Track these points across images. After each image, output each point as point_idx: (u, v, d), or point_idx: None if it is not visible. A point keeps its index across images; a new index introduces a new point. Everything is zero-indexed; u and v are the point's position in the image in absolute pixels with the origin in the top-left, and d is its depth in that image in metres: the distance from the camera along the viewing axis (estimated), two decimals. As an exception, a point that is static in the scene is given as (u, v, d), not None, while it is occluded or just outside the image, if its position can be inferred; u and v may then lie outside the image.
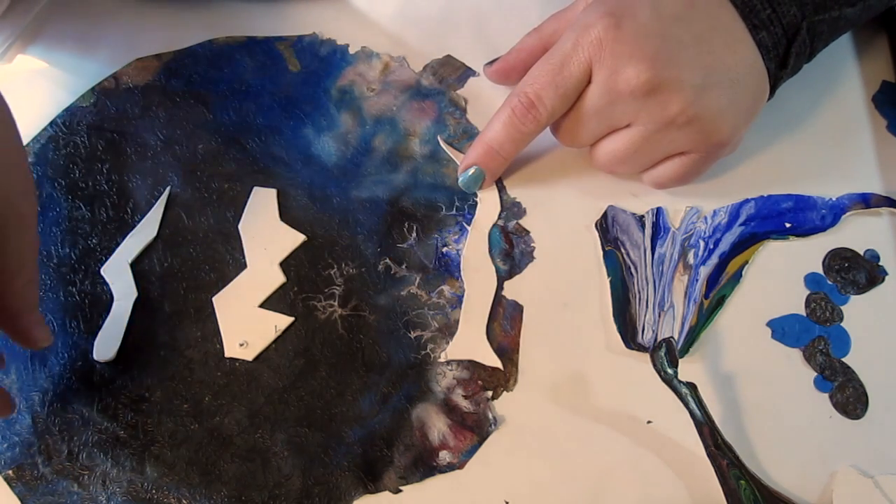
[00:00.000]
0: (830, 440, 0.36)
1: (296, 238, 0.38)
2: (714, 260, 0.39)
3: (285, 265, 0.38)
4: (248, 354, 0.36)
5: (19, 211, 0.30)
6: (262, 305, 0.37)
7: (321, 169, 0.40)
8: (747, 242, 0.39)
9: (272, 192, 0.39)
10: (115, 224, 0.39)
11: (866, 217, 0.40)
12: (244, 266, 0.38)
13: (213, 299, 0.37)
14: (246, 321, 0.37)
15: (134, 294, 0.37)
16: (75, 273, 0.38)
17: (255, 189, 0.39)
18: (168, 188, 0.40)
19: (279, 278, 0.38)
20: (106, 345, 0.36)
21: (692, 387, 0.34)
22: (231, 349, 0.36)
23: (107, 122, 0.41)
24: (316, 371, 0.36)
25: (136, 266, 0.38)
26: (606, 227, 0.39)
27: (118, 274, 0.38)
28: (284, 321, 0.37)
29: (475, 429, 0.35)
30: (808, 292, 0.38)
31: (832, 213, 0.40)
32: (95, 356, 0.36)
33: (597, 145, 0.38)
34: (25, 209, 0.30)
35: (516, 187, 0.40)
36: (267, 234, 0.39)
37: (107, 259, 0.38)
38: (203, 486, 0.34)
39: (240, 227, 0.39)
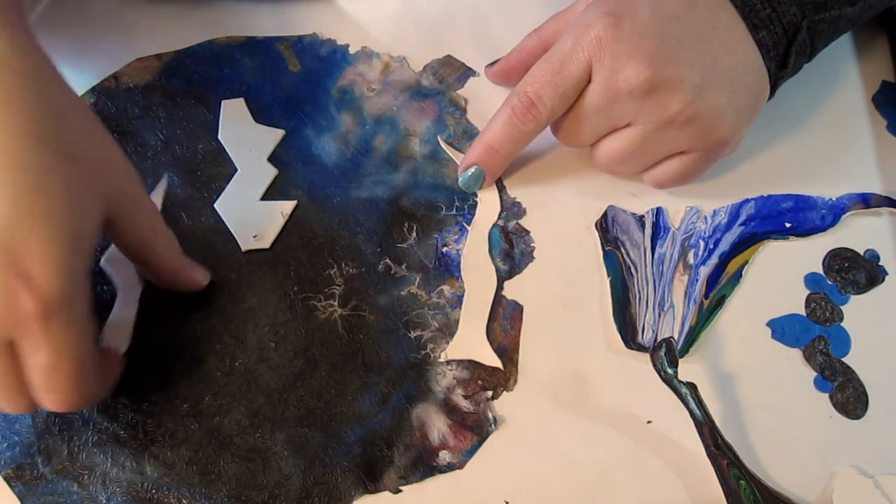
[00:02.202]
0: (830, 440, 0.36)
1: (275, 134, 0.40)
2: (714, 260, 0.39)
3: (285, 262, 0.38)
4: (264, 243, 0.38)
5: (126, 190, 0.32)
6: (263, 198, 0.39)
7: (321, 169, 0.40)
8: (747, 242, 0.39)
9: (240, 101, 0.41)
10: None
11: (866, 217, 0.40)
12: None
13: (216, 205, 0.39)
14: (252, 215, 0.38)
15: (140, 285, 0.37)
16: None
17: (224, 102, 0.41)
18: (165, 178, 0.40)
19: (271, 172, 0.39)
20: (118, 333, 0.36)
21: (692, 387, 0.34)
22: (245, 244, 0.38)
23: (107, 122, 0.41)
24: (316, 371, 0.36)
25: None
26: (606, 227, 0.39)
27: (120, 264, 0.37)
28: (289, 206, 0.39)
29: (475, 429, 0.35)
30: (808, 292, 0.38)
31: (832, 213, 0.40)
32: (105, 343, 0.36)
33: (597, 145, 0.38)
34: (131, 186, 0.32)
35: (516, 187, 0.40)
36: (247, 137, 0.40)
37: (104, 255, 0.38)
38: (203, 486, 0.34)
39: (220, 136, 0.40)
